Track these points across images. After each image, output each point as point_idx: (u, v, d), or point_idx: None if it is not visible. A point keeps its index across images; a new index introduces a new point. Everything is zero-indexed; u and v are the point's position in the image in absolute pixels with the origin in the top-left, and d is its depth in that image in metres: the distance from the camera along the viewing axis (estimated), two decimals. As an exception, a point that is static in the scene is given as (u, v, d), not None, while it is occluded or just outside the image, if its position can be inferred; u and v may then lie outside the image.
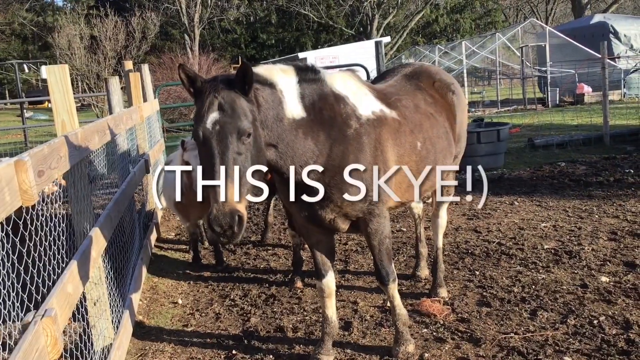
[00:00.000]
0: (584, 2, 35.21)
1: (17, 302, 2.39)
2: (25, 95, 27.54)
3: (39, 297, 2.55)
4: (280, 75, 3.27)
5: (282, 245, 6.68)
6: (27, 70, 29.83)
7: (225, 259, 6.28)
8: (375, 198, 3.50)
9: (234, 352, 4.21)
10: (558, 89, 21.39)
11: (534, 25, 25.03)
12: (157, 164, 8.38)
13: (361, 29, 43.26)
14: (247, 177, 2.91)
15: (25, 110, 19.68)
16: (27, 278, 2.45)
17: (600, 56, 13.01)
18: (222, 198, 2.79)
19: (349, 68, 4.01)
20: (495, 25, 47.16)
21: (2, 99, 42.31)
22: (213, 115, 2.90)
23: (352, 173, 3.38)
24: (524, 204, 7.50)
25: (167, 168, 6.27)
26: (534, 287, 4.84)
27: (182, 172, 5.64)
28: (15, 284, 2.39)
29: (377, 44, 10.38)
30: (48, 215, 2.99)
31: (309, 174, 3.32)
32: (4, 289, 2.27)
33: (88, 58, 23.12)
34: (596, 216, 6.71)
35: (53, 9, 48.51)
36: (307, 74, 3.38)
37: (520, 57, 22.45)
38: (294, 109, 3.25)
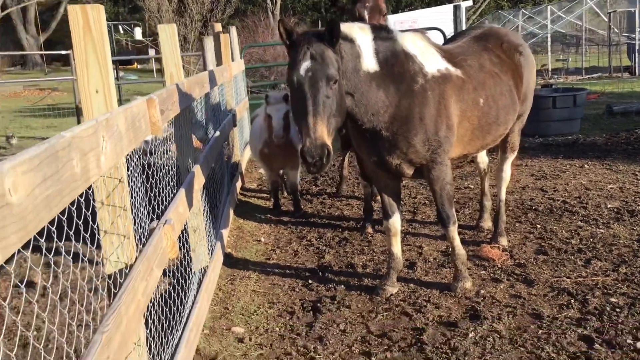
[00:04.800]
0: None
1: (145, 212, 3.02)
2: (116, 55, 29.12)
3: (160, 212, 3.18)
4: (359, 32, 3.73)
5: (355, 197, 7.19)
6: (121, 32, 31.50)
7: (302, 207, 6.86)
8: (437, 148, 3.92)
9: (309, 281, 4.80)
10: (648, 56, 20.48)
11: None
12: (242, 120, 9.05)
13: (443, -8, 42.37)
14: (332, 118, 3.41)
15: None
16: (152, 195, 3.07)
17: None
18: (313, 134, 3.30)
19: (421, 30, 4.36)
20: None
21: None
22: (306, 64, 3.39)
23: (417, 124, 3.82)
24: (594, 167, 7.64)
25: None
26: (591, 240, 5.13)
27: (266, 124, 6.26)
28: (144, 199, 3.01)
29: (456, 7, 10.54)
30: (163, 150, 3.63)
31: (380, 122, 3.79)
32: (137, 203, 2.89)
33: (176, 20, 24.14)
34: (666, 180, 6.80)
35: (142, -28, 50.19)
36: (381, 33, 3.82)
37: (608, 22, 21.59)
38: (369, 62, 3.70)
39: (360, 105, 3.73)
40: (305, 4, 45.03)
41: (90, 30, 2.23)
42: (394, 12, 39.41)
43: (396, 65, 3.83)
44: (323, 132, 3.33)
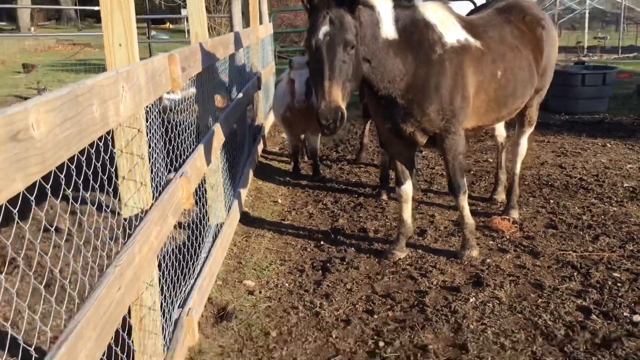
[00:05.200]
0: None
1: (163, 164, 3.18)
2: (148, 14, 29.31)
3: (177, 165, 3.34)
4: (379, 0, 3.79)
5: (374, 165, 7.29)
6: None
7: (321, 171, 6.99)
8: (451, 118, 4.00)
9: (322, 242, 4.96)
10: (688, 37, 19.92)
11: (670, -34, 23.14)
12: (267, 83, 9.16)
13: (482, -37, 41.44)
14: (348, 82, 3.49)
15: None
16: (171, 148, 3.23)
17: None
18: (328, 97, 3.40)
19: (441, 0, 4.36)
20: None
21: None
22: (325, 28, 3.46)
23: (433, 93, 3.89)
24: (616, 147, 7.60)
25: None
26: (602, 217, 5.18)
27: (288, 88, 6.36)
28: (163, 151, 3.17)
29: (488, -21, 10.38)
30: (184, 106, 3.77)
31: (396, 90, 3.86)
32: (154, 154, 3.05)
33: (209, -19, 24.10)
34: (687, 163, 6.76)
35: None
36: (401, 1, 3.86)
37: (649, 0, 20.98)
38: (388, 30, 3.76)
39: (377, 72, 3.81)
40: (340, -31, 44.54)
41: (115, -14, 2.36)
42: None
43: (415, 33, 3.89)
44: (338, 95, 3.43)
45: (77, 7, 30.00)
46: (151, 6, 36.46)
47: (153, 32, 26.19)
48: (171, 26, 34.21)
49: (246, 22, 8.10)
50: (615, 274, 4.11)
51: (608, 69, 10.21)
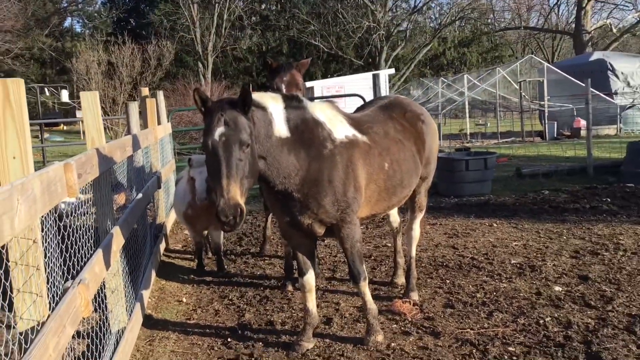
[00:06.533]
0: (584, 40, 36.16)
1: (60, 273, 3.12)
2: (41, 117, 28.65)
3: (75, 272, 3.28)
4: (271, 101, 4.03)
5: (278, 256, 7.37)
6: (47, 94, 31.06)
7: (226, 266, 6.97)
8: (346, 208, 4.22)
9: (229, 339, 4.90)
10: (556, 122, 22.14)
11: (533, 61, 25.99)
12: (168, 181, 9.16)
13: (370, 59, 44.38)
14: (245, 179, 3.64)
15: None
16: (67, 256, 3.17)
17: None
18: (226, 194, 3.52)
19: (330, 99, 4.71)
20: (502, 59, 48.22)
21: (19, 120, 43.43)
22: (220, 129, 3.63)
23: (327, 186, 4.12)
24: (502, 226, 8.18)
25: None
26: (494, 293, 5.51)
27: (189, 186, 6.43)
28: (59, 260, 3.11)
29: (374, 76, 11.23)
30: (82, 212, 3.74)
31: (291, 184, 4.05)
32: (51, 263, 2.99)
33: (105, 83, 24.13)
34: (564, 237, 7.37)
35: (72, 35, 50.07)
36: (292, 102, 4.14)
37: (519, 90, 23.28)
38: (281, 128, 3.99)
39: (272, 169, 3.99)
40: (237, 68, 46.01)
41: (9, 101, 2.41)
42: (324, 77, 40.87)
43: (306, 131, 4.14)
44: (236, 193, 3.56)
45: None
46: (44, 109, 35.74)
47: (46, 135, 25.55)
48: (65, 128, 33.50)
49: (144, 123, 8.19)
50: (511, 348, 4.36)
51: (489, 154, 11.11)
